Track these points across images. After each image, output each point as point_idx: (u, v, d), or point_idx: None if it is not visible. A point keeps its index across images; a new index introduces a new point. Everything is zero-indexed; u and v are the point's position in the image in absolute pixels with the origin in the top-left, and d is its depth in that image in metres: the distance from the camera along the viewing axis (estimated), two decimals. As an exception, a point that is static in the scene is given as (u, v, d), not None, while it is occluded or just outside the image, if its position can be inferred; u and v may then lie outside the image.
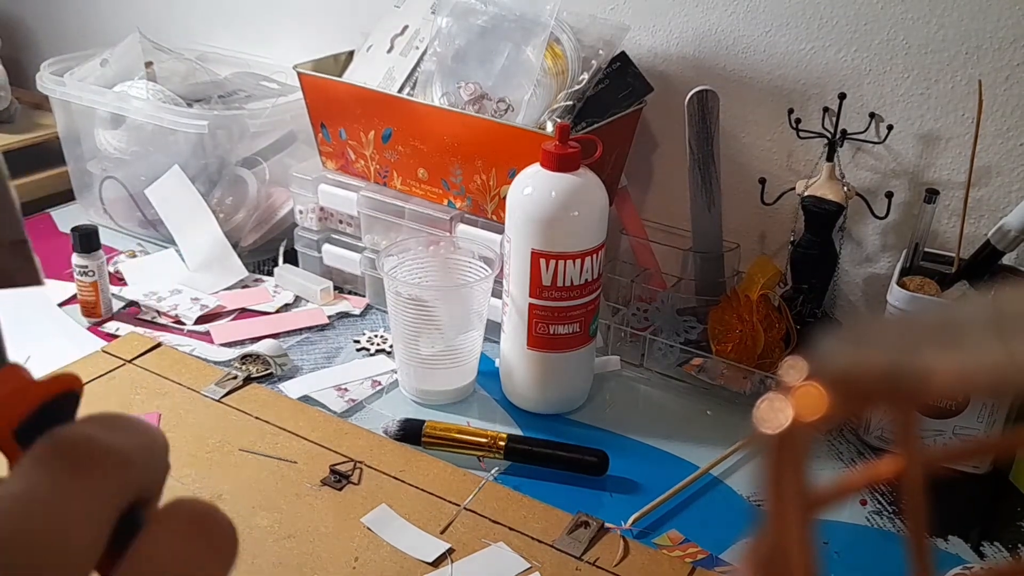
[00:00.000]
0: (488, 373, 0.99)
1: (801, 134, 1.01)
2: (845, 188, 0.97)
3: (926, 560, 0.18)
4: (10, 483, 0.22)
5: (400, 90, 1.07)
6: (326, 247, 1.15)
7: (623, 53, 1.04)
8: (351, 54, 1.18)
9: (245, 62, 1.37)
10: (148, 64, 1.27)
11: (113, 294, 1.11)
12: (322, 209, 1.14)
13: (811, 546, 0.18)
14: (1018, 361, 0.16)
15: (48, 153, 1.43)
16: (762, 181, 1.04)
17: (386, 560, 0.74)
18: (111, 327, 1.08)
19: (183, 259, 1.21)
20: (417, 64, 1.08)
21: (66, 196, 1.38)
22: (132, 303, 1.13)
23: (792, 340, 0.98)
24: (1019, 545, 0.80)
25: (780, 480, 0.18)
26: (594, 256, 0.89)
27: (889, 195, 0.98)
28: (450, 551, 0.76)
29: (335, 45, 1.19)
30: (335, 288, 1.16)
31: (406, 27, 1.12)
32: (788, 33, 1.01)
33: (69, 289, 1.12)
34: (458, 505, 0.81)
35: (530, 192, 0.87)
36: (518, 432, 0.91)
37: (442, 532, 0.78)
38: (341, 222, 1.14)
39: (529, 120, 1.00)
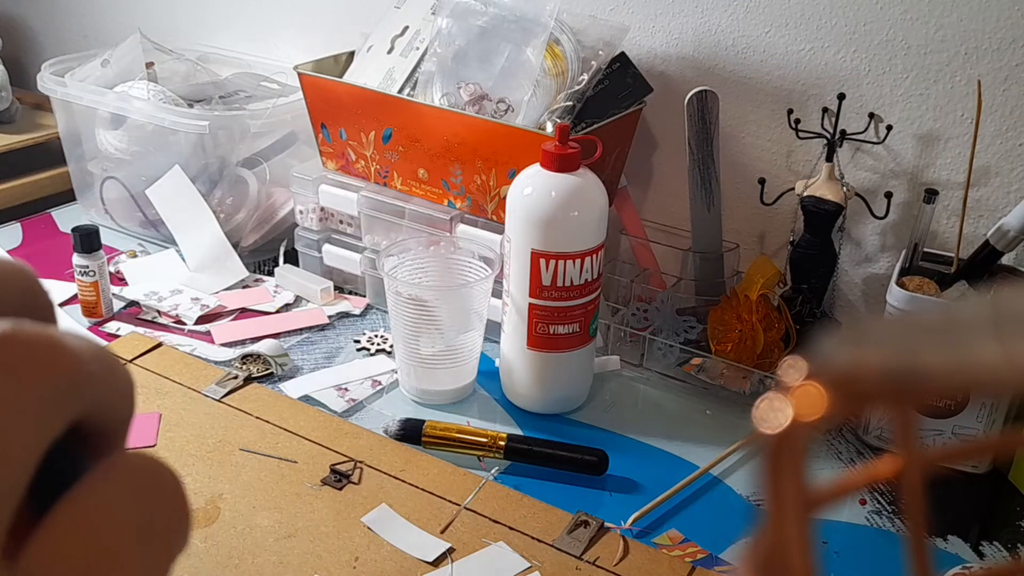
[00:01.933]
0: (488, 373, 1.00)
1: (800, 134, 1.01)
2: (844, 188, 0.97)
3: (925, 560, 0.18)
4: None
5: (400, 91, 1.07)
6: (326, 247, 1.16)
7: (623, 54, 1.04)
8: (351, 55, 1.18)
9: (246, 63, 1.37)
10: (149, 64, 1.27)
11: (114, 294, 1.11)
12: (322, 209, 1.14)
13: (810, 546, 0.18)
14: (1017, 361, 0.16)
15: (49, 153, 1.43)
16: (761, 181, 1.04)
17: (386, 559, 0.74)
18: (112, 327, 1.08)
19: (184, 259, 1.21)
20: (417, 65, 1.08)
21: (67, 196, 1.39)
22: (133, 303, 1.13)
23: (791, 340, 0.98)
24: (1018, 545, 0.80)
25: (779, 480, 0.18)
26: (594, 256, 0.89)
27: (888, 195, 0.98)
28: (450, 551, 0.76)
29: (335, 46, 1.19)
30: (335, 288, 1.16)
31: (406, 28, 1.12)
32: (787, 33, 1.02)
33: (70, 289, 1.12)
34: (458, 505, 0.81)
35: (530, 192, 0.87)
36: (518, 432, 0.92)
37: (442, 532, 0.78)
38: (341, 222, 1.15)
39: (529, 120, 1.00)
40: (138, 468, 0.19)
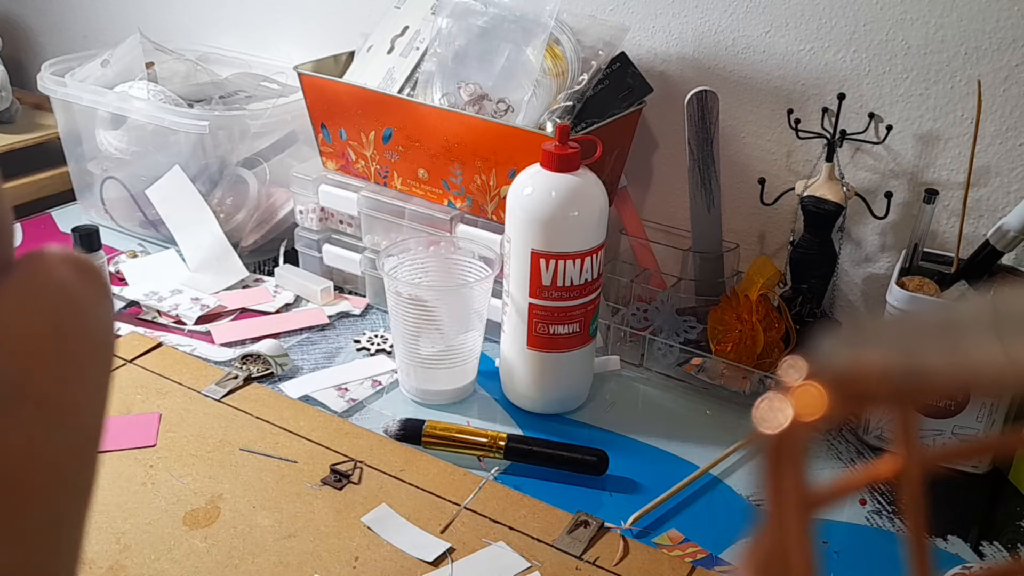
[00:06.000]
0: (488, 373, 1.00)
1: (800, 134, 1.01)
2: (844, 188, 0.97)
3: (925, 560, 0.18)
4: None
5: (400, 91, 1.07)
6: (326, 247, 1.16)
7: (623, 54, 1.04)
8: (351, 55, 1.18)
9: (246, 63, 1.37)
10: (149, 65, 1.27)
11: (114, 294, 1.11)
12: (322, 209, 1.14)
13: (810, 546, 0.18)
14: (1017, 361, 0.17)
15: (49, 153, 1.43)
16: (761, 181, 1.04)
17: (386, 559, 0.75)
18: (112, 327, 1.08)
19: (184, 259, 1.21)
20: (417, 65, 1.08)
21: (67, 196, 1.39)
22: (133, 303, 1.13)
23: (791, 340, 0.98)
24: (1018, 545, 0.80)
25: (779, 480, 0.18)
26: (594, 256, 0.89)
27: (888, 195, 0.98)
28: (450, 550, 0.76)
29: (335, 46, 1.19)
30: (335, 288, 1.16)
31: (406, 28, 1.12)
32: (787, 33, 1.02)
33: (70, 289, 1.12)
34: (458, 505, 0.81)
35: (530, 192, 0.87)
36: (518, 432, 0.92)
37: (442, 531, 0.78)
38: (341, 222, 1.15)
39: (529, 120, 1.00)
40: (68, 251, 0.22)
